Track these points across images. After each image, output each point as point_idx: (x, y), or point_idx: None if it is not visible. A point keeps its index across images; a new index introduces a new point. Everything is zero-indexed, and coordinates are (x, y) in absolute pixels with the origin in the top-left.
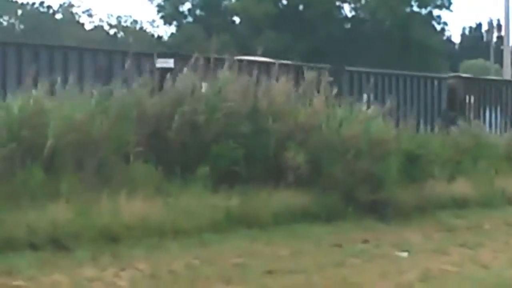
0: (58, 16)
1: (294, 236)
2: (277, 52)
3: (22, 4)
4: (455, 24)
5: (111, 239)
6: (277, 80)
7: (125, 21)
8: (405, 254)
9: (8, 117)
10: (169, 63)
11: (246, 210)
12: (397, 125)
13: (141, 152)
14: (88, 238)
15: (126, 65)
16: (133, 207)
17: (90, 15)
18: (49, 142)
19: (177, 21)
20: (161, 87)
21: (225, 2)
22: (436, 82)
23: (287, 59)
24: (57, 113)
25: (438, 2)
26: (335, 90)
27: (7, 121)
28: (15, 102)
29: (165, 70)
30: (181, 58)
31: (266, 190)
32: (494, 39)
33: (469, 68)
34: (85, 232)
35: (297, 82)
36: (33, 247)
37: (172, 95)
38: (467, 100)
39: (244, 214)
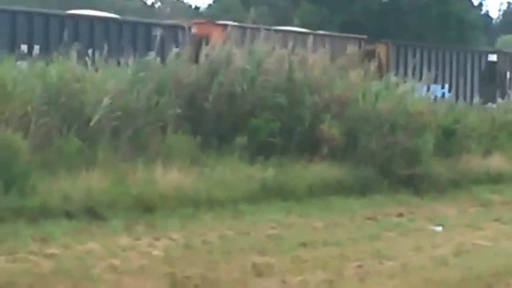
0: None
1: (329, 209)
2: (314, 25)
3: None
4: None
5: (145, 208)
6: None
7: None
8: (439, 228)
9: (46, 85)
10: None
11: (281, 182)
12: (434, 99)
13: (178, 122)
14: (123, 207)
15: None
16: (169, 177)
17: None
18: (89, 111)
19: None
20: (197, 57)
21: None
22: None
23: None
24: (95, 82)
25: None
26: (373, 63)
27: (46, 88)
28: (54, 69)
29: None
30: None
31: (301, 162)
32: None
33: (506, 43)
34: (120, 201)
35: (336, 54)
36: (68, 215)
37: (208, 65)
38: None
39: (279, 186)
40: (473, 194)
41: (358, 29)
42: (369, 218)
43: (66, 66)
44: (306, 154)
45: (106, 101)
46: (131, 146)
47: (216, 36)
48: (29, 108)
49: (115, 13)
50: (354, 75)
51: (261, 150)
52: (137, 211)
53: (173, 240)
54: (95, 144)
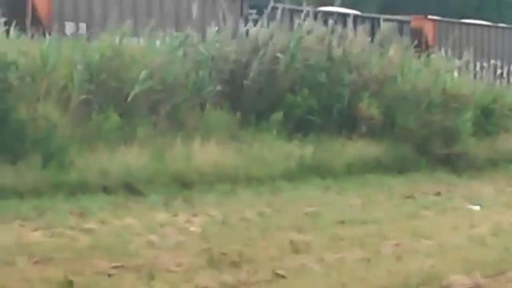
0: None
1: (367, 187)
2: (353, 3)
3: None
4: None
5: (183, 184)
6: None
7: None
8: (477, 207)
9: (87, 60)
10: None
11: (319, 160)
12: (473, 77)
13: (217, 99)
14: (160, 183)
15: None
16: (207, 153)
17: None
18: (128, 87)
19: None
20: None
21: None
22: None
23: (363, 11)
24: (134, 58)
25: None
26: (412, 41)
27: (86, 64)
28: (95, 46)
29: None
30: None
31: (339, 140)
32: None
33: None
34: (158, 177)
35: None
36: (106, 190)
37: (249, 43)
38: None
39: (317, 163)
40: (511, 173)
41: (398, 8)
42: (406, 197)
43: (107, 41)
44: (344, 132)
45: (143, 74)
46: (170, 122)
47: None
48: (69, 84)
49: None
50: (393, 53)
51: (299, 128)
52: (175, 187)
53: (210, 216)
54: (133, 120)
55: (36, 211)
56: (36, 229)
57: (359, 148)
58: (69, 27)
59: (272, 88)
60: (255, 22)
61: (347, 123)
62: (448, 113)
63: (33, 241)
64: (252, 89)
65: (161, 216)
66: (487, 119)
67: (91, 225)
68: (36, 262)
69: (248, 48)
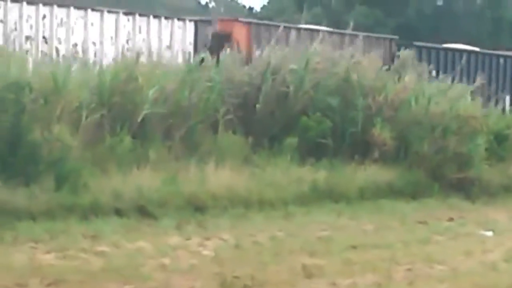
0: None
1: (379, 212)
2: (368, 27)
3: None
4: None
5: (196, 208)
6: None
7: None
8: (489, 233)
9: (100, 83)
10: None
11: (332, 184)
12: (486, 103)
13: (230, 122)
14: (173, 206)
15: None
16: (220, 177)
17: None
18: (141, 109)
19: None
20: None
21: None
22: None
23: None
24: (148, 81)
25: None
26: (426, 67)
27: (99, 87)
28: (108, 68)
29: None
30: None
31: (352, 164)
32: None
33: None
34: (171, 200)
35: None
36: (119, 213)
37: (260, 65)
38: None
39: (330, 187)
40: None
41: (412, 32)
42: (419, 222)
43: (119, 64)
44: (358, 157)
45: (152, 93)
46: (183, 145)
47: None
48: (81, 106)
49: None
50: (408, 78)
51: (312, 152)
52: (188, 210)
53: (223, 240)
54: (147, 143)
55: (48, 233)
56: (48, 251)
57: (372, 173)
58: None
59: (285, 111)
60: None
61: (361, 148)
62: (462, 139)
63: (45, 263)
64: (264, 113)
65: (174, 239)
66: (500, 145)
67: (103, 247)
68: (49, 285)
69: (260, 71)
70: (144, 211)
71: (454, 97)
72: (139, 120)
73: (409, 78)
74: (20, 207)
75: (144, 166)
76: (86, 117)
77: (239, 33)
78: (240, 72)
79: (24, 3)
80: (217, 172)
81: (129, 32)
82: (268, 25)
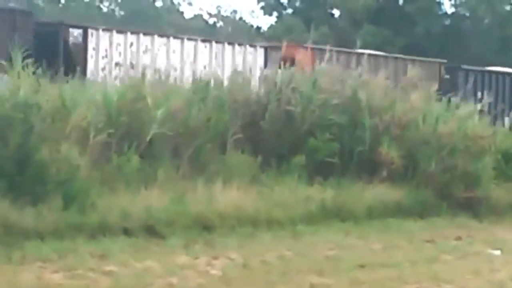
0: (158, 3)
1: (387, 231)
2: (376, 46)
3: None
4: None
5: (204, 227)
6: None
7: (225, 11)
8: (497, 252)
9: (107, 102)
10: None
11: (340, 203)
12: (493, 123)
13: (237, 142)
14: (181, 225)
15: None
16: (228, 196)
17: (190, 4)
18: (149, 129)
19: (277, 12)
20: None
21: None
22: None
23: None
24: (155, 100)
25: None
26: (434, 86)
27: (106, 106)
28: (114, 88)
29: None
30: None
31: (360, 183)
32: None
33: None
34: (179, 220)
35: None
36: (127, 232)
37: (267, 85)
38: None
39: (338, 207)
40: None
41: (419, 51)
42: (427, 241)
43: (126, 84)
44: (365, 176)
45: (160, 114)
46: (191, 165)
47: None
48: (89, 125)
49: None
50: (415, 97)
51: (320, 171)
52: (196, 229)
53: (231, 259)
54: (155, 162)
55: (56, 253)
56: (56, 271)
57: (380, 192)
58: None
59: (292, 130)
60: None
61: (368, 167)
62: (469, 158)
63: (53, 283)
64: (271, 132)
65: (182, 258)
66: (507, 164)
67: (111, 267)
68: None
69: (266, 90)
70: (152, 231)
71: (461, 117)
72: (147, 139)
73: (416, 97)
74: (28, 226)
75: (152, 185)
76: (94, 137)
77: (302, 57)
78: (247, 91)
79: (114, 31)
80: (225, 191)
81: (206, 58)
82: (338, 51)
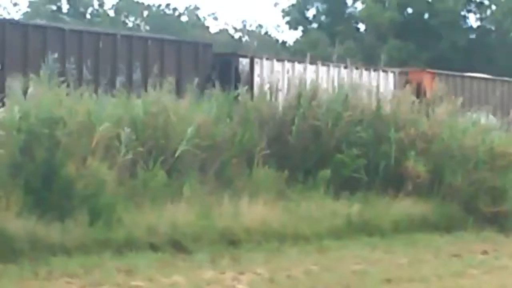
0: (184, 18)
1: (414, 245)
2: (401, 60)
3: (148, 5)
4: None
5: (231, 242)
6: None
7: (250, 25)
8: None
9: (132, 117)
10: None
11: (366, 218)
12: None
13: (264, 156)
14: (208, 240)
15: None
16: (254, 211)
17: (215, 19)
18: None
19: (302, 27)
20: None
21: (350, 9)
22: None
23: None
24: (182, 115)
25: None
26: (459, 99)
27: (132, 122)
28: (141, 103)
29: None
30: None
31: (386, 198)
32: None
33: None
34: (205, 234)
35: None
36: (153, 247)
37: (293, 99)
38: None
39: (364, 221)
40: None
41: (445, 65)
42: (453, 255)
43: (152, 98)
44: (391, 190)
45: (190, 131)
46: (217, 180)
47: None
48: (115, 141)
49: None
50: (441, 111)
51: (346, 185)
52: (222, 244)
53: (257, 274)
54: (181, 177)
55: (83, 268)
56: (83, 286)
57: (406, 207)
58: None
59: (318, 145)
60: None
61: (394, 181)
62: (495, 172)
63: None
64: (298, 146)
65: (208, 273)
66: None
67: (138, 282)
68: None
69: (292, 105)
70: (178, 246)
71: (487, 130)
72: (175, 155)
73: (441, 111)
74: (55, 241)
75: (178, 200)
76: (120, 152)
77: (427, 82)
78: (274, 106)
79: (274, 60)
80: (251, 206)
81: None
82: (453, 75)
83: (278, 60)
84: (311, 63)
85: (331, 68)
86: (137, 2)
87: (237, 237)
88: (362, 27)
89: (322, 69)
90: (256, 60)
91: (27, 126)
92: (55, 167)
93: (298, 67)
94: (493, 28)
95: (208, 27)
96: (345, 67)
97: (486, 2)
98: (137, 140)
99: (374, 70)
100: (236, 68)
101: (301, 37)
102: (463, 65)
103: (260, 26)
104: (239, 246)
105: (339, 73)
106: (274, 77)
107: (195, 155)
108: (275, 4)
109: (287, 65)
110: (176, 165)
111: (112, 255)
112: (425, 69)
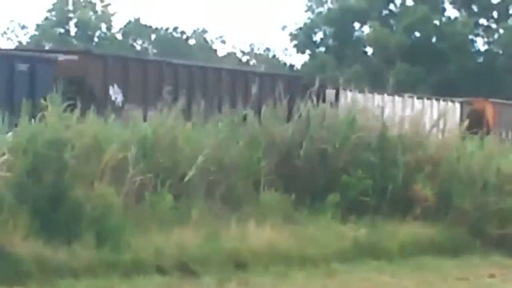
0: (191, 41)
1: (421, 269)
2: (408, 84)
3: (156, 28)
4: None
5: (238, 265)
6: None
7: (258, 49)
8: None
9: (140, 140)
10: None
11: (374, 241)
12: None
13: (271, 180)
14: (215, 263)
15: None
16: (262, 234)
17: (223, 42)
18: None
19: (310, 50)
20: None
21: (358, 33)
22: None
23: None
24: (189, 137)
25: None
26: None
27: (139, 144)
28: (149, 125)
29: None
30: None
31: (393, 221)
32: None
33: None
34: (212, 258)
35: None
36: (160, 270)
37: (300, 122)
38: None
39: (372, 244)
40: None
41: (453, 89)
42: (461, 279)
43: (160, 121)
44: (399, 213)
45: (200, 159)
46: (225, 203)
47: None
48: (123, 164)
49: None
50: (448, 134)
51: (353, 209)
52: (229, 267)
53: None
54: (188, 200)
55: None
56: None
57: (414, 230)
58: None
59: (325, 168)
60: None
61: (402, 204)
62: (503, 195)
63: None
64: (305, 170)
65: None
66: None
67: None
68: None
69: (300, 128)
70: (185, 269)
71: (494, 153)
72: (185, 180)
73: (449, 134)
74: (62, 264)
75: (186, 223)
76: (128, 175)
77: (489, 111)
78: (281, 129)
79: (357, 91)
80: (258, 229)
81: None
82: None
83: (360, 91)
84: (388, 94)
85: (405, 98)
86: (145, 25)
87: (245, 261)
88: (369, 50)
89: (398, 99)
90: (341, 91)
91: (34, 148)
92: (63, 190)
93: (377, 97)
94: (500, 51)
95: (215, 50)
96: (419, 98)
97: (494, 26)
98: (145, 163)
99: (445, 101)
100: (324, 99)
101: (308, 60)
102: (471, 88)
103: (268, 49)
104: (246, 269)
105: (413, 103)
106: (357, 106)
107: (203, 178)
108: (283, 28)
109: (368, 95)
110: (183, 188)
111: (120, 278)
112: (487, 98)
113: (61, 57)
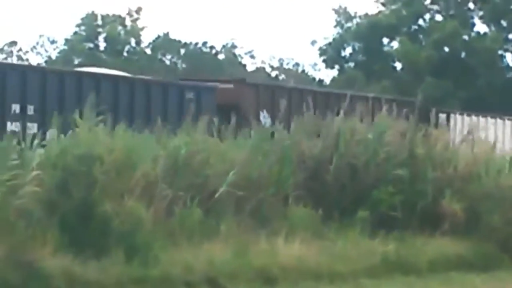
0: (221, 56)
1: (450, 284)
2: (437, 99)
3: (185, 43)
4: None
5: (267, 280)
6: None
7: (287, 64)
8: None
9: (170, 156)
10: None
11: (403, 256)
12: None
13: (300, 195)
14: (244, 278)
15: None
16: (290, 250)
17: (252, 57)
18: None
19: (339, 65)
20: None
21: (386, 48)
22: None
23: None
24: (219, 153)
25: None
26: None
27: (170, 160)
28: (180, 142)
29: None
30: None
31: (422, 236)
32: None
33: None
34: (241, 273)
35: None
36: (189, 285)
37: (331, 137)
38: None
39: (400, 260)
40: None
41: (481, 104)
42: None
43: (190, 137)
44: (428, 229)
45: (231, 176)
46: (254, 218)
47: None
48: (153, 179)
49: None
50: (477, 149)
51: (382, 224)
52: (258, 282)
53: None
54: (217, 216)
55: None
56: None
57: (443, 245)
58: None
59: (355, 183)
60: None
61: (431, 220)
62: None
63: None
64: (335, 185)
65: None
66: None
67: None
68: None
69: (330, 143)
70: (214, 284)
71: None
72: (216, 196)
73: (479, 149)
74: (91, 279)
75: (215, 239)
76: (158, 190)
77: None
78: (310, 144)
79: (465, 114)
80: (287, 245)
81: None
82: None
83: (468, 115)
84: (492, 117)
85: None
86: (174, 40)
87: (273, 276)
88: (398, 65)
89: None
90: (452, 115)
91: (64, 163)
92: (92, 205)
93: (481, 120)
94: None
95: (245, 65)
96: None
97: None
98: (175, 178)
99: None
100: (436, 122)
101: (337, 75)
102: (500, 104)
103: (297, 64)
104: (275, 284)
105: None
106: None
107: (232, 193)
108: (312, 43)
109: (474, 118)
110: (212, 203)
111: None
112: None
113: (220, 86)
